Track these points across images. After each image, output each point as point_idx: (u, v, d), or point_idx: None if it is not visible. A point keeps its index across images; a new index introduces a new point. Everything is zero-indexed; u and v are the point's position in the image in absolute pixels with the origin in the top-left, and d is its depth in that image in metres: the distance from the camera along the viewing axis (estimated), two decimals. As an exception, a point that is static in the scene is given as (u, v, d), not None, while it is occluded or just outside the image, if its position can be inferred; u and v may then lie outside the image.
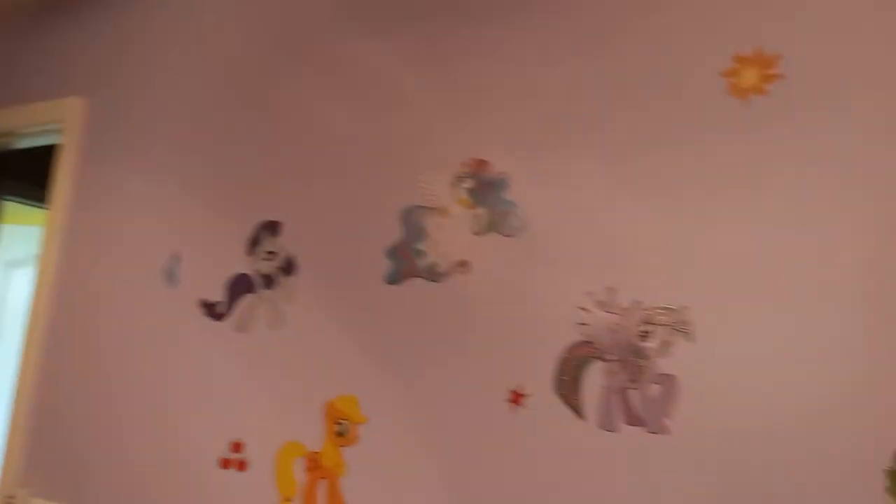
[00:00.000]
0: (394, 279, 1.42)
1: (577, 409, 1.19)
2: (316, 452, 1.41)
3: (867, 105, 1.10)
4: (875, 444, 0.96)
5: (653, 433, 1.12)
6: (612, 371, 1.17)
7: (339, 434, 1.39)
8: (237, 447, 1.51)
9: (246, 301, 1.60)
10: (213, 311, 1.64)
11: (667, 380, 1.13)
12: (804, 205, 1.10)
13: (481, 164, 1.38)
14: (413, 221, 1.43)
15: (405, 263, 1.42)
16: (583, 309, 1.22)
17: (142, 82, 1.96)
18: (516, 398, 1.24)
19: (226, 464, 1.51)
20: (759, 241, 1.12)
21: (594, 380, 1.18)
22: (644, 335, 1.16)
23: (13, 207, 3.03)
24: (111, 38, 2.07)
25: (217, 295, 1.64)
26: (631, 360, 1.16)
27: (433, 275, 1.38)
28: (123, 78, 2.00)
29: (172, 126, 1.84)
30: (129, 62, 2.01)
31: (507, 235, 1.32)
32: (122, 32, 2.04)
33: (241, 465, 1.50)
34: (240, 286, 1.62)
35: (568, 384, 1.20)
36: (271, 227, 1.61)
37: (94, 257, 1.90)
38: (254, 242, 1.62)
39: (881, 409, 0.97)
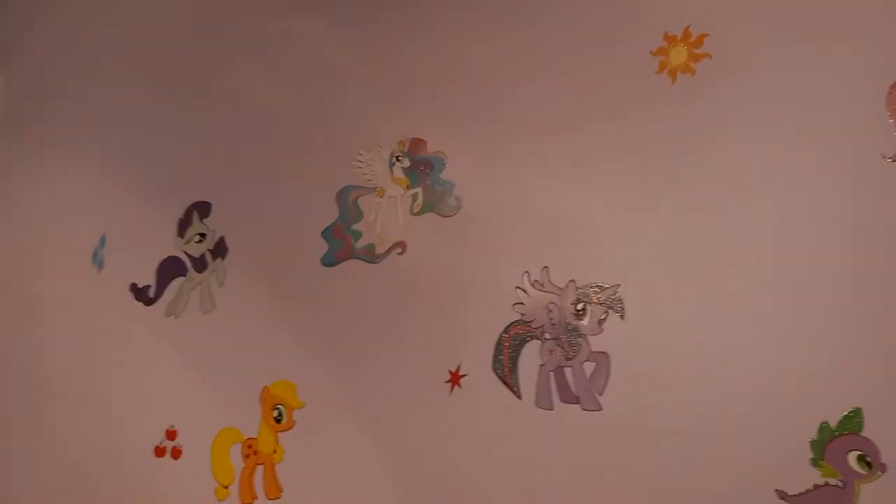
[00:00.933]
0: (330, 261, 1.40)
1: (513, 388, 1.20)
2: (252, 439, 1.39)
3: (788, 82, 1.12)
4: (805, 418, 1.00)
5: (587, 410, 1.14)
6: (548, 349, 1.18)
7: (276, 419, 1.37)
8: (171, 434, 1.47)
9: (177, 285, 1.55)
10: (143, 295, 1.58)
11: (600, 357, 1.15)
12: (733, 182, 1.13)
13: (418, 143, 1.37)
14: (348, 202, 1.40)
15: (341, 244, 1.39)
16: (519, 288, 1.22)
17: (61, 58, 1.86)
18: (454, 379, 1.24)
19: (160, 452, 1.47)
20: (689, 219, 1.14)
21: (531, 359, 1.19)
22: (578, 314, 1.17)
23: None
24: (25, 7, 1.94)
25: (147, 279, 1.58)
26: (566, 338, 1.17)
27: (370, 256, 1.36)
28: (40, 52, 1.89)
29: (94, 104, 1.76)
30: (46, 36, 1.90)
31: (445, 216, 1.31)
32: (41, 4, 1.93)
33: (176, 453, 1.46)
34: (170, 269, 1.56)
35: (505, 363, 1.21)
36: (201, 209, 1.56)
37: (16, 240, 1.81)
38: (184, 224, 1.57)
39: (809, 382, 1.01)
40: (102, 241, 1.66)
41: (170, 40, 1.69)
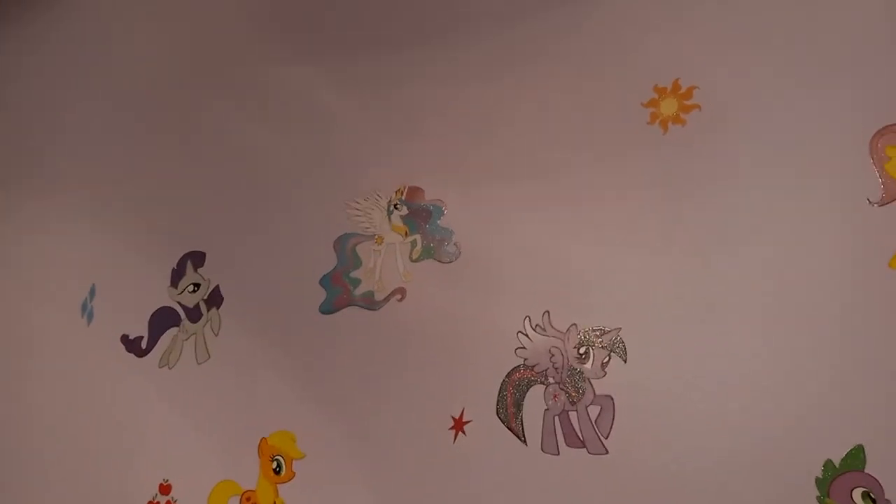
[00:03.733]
0: (328, 308, 1.40)
1: (518, 434, 1.20)
2: (251, 491, 1.36)
3: (776, 130, 1.17)
4: (807, 456, 1.02)
5: (593, 454, 1.15)
6: (552, 394, 1.19)
7: (275, 471, 1.35)
8: (165, 489, 1.44)
9: (170, 335, 1.53)
10: (135, 346, 1.56)
11: (604, 400, 1.16)
12: (727, 227, 1.17)
13: (415, 191, 1.39)
14: (346, 249, 1.41)
15: (340, 292, 1.40)
16: (521, 333, 1.24)
17: (45, 102, 1.85)
18: (458, 425, 1.24)
19: (153, 508, 1.44)
20: (682, 262, 1.18)
21: (535, 403, 1.20)
22: (581, 357, 1.19)
23: None
24: (10, 57, 1.95)
25: (139, 330, 1.56)
26: (570, 382, 1.19)
27: (369, 303, 1.37)
28: (27, 104, 1.88)
29: (83, 155, 1.75)
30: (30, 87, 1.90)
31: (444, 262, 1.33)
32: (18, 45, 1.93)
33: (170, 509, 1.43)
34: (163, 320, 1.55)
35: (509, 409, 1.21)
36: (195, 258, 1.55)
37: (4, 291, 1.77)
38: (177, 274, 1.56)
39: (813, 420, 1.03)
40: (92, 292, 1.64)
41: (160, 87, 1.70)
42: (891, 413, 1.01)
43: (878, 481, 0.98)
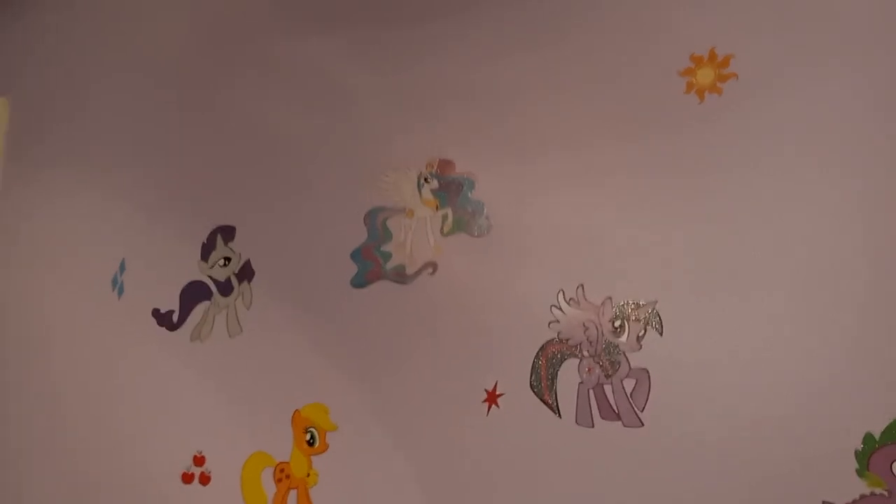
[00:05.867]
0: (360, 282, 1.40)
1: (552, 407, 1.20)
2: (285, 462, 1.38)
3: (814, 100, 1.15)
4: (846, 428, 1.01)
5: (628, 427, 1.15)
6: (587, 367, 1.19)
7: (309, 443, 1.37)
8: (199, 461, 1.46)
9: (201, 309, 1.55)
10: (166, 320, 1.57)
11: (640, 373, 1.16)
12: (763, 198, 1.15)
13: (446, 164, 1.38)
14: (377, 223, 1.41)
15: (371, 266, 1.40)
16: (554, 306, 1.23)
17: (72, 81, 1.85)
18: (491, 398, 1.25)
19: (188, 478, 1.46)
20: (720, 234, 1.16)
21: (569, 376, 1.20)
22: (616, 330, 1.19)
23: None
24: (35, 28, 1.94)
25: (170, 304, 1.57)
26: (605, 355, 1.18)
27: (401, 277, 1.37)
28: (48, 76, 1.89)
29: (113, 126, 1.75)
30: (55, 58, 1.89)
31: (475, 236, 1.32)
32: (43, 25, 1.92)
33: (205, 479, 1.45)
34: (194, 294, 1.56)
35: (543, 382, 1.22)
36: (225, 232, 1.56)
37: (34, 267, 1.79)
38: (207, 248, 1.56)
39: (852, 392, 1.03)
40: (122, 267, 1.65)
41: (188, 62, 1.69)
42: (932, 385, 1.00)
43: (919, 454, 0.98)
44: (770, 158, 1.16)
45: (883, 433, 1.00)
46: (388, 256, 1.39)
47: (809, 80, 1.16)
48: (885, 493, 0.99)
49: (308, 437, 1.37)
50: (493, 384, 1.25)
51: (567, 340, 1.21)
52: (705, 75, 1.23)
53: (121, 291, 1.65)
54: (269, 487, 1.39)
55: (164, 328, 1.57)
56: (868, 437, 1.01)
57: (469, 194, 1.35)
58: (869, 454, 1.00)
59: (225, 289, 1.53)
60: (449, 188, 1.36)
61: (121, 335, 1.62)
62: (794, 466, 1.04)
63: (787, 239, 1.12)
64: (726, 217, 1.17)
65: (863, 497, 0.99)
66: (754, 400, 1.09)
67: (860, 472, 1.00)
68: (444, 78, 1.43)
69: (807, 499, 1.02)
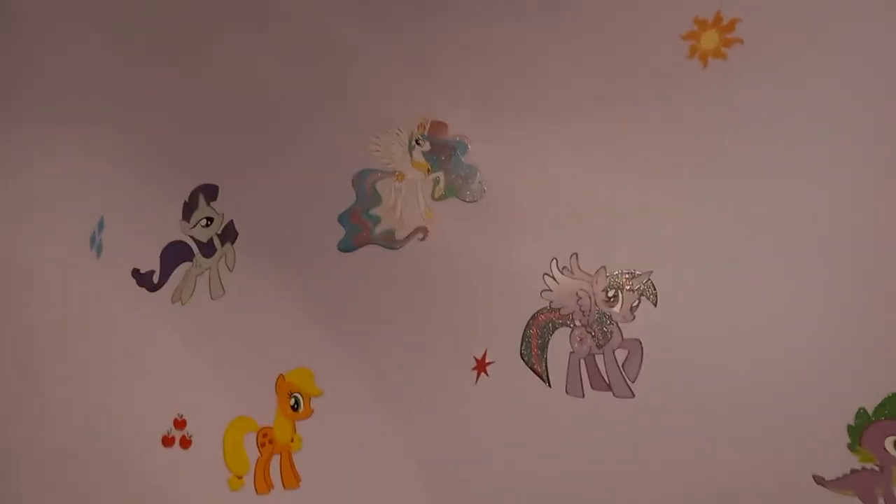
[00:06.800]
0: (347, 246, 1.36)
1: (543, 376, 1.18)
2: (268, 427, 1.36)
3: (822, 71, 1.12)
4: (840, 403, 1.00)
5: (619, 397, 1.13)
6: (578, 337, 1.17)
7: (293, 408, 1.34)
8: (180, 424, 1.43)
9: (183, 270, 1.50)
10: (146, 280, 1.52)
11: (632, 344, 1.14)
12: (764, 169, 1.12)
13: (438, 126, 1.33)
14: (366, 186, 1.37)
15: (359, 229, 1.36)
16: (547, 275, 1.21)
17: (47, 35, 1.77)
18: (481, 366, 1.22)
19: (168, 441, 1.43)
20: (719, 204, 1.14)
21: (560, 346, 1.18)
22: (610, 301, 1.16)
23: None
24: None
25: (150, 264, 1.53)
26: (597, 325, 1.16)
27: (390, 241, 1.33)
28: (21, 31, 1.80)
29: (90, 81, 1.68)
30: (29, 11, 1.80)
31: (468, 201, 1.29)
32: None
33: (185, 443, 1.42)
34: (175, 254, 1.51)
35: (533, 351, 1.19)
36: (208, 191, 1.51)
37: (9, 226, 1.72)
38: (189, 208, 1.51)
39: (846, 366, 1.02)
40: (101, 225, 1.59)
41: (171, 15, 1.62)
42: (928, 362, 0.99)
43: (912, 430, 0.97)
44: (773, 129, 1.13)
45: (876, 409, 0.99)
46: (377, 220, 1.35)
47: (817, 48, 1.12)
48: (877, 467, 0.98)
49: (292, 402, 1.34)
50: (483, 352, 1.23)
51: (559, 310, 1.19)
52: (710, 39, 1.20)
53: (99, 250, 1.59)
54: (252, 452, 1.36)
55: (144, 288, 1.53)
56: (861, 413, 1.00)
57: (462, 158, 1.31)
58: (862, 429, 1.00)
59: (207, 250, 1.48)
60: (441, 151, 1.32)
61: (99, 295, 1.57)
62: (785, 441, 1.04)
63: (785, 212, 1.10)
64: (725, 188, 1.14)
65: (854, 472, 0.99)
66: (747, 374, 1.07)
67: (852, 447, 0.99)
68: (442, 37, 1.37)
69: (797, 473, 1.01)
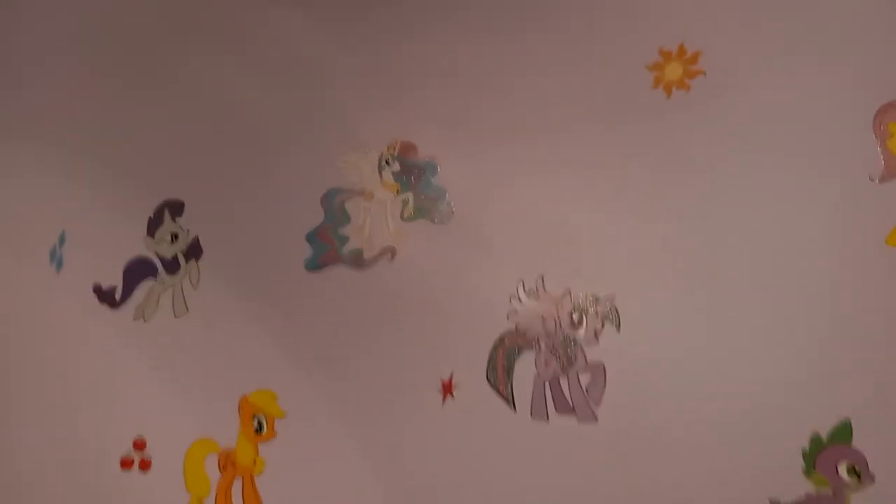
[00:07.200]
0: (314, 265, 1.36)
1: (508, 399, 1.19)
2: (230, 450, 1.34)
3: (781, 100, 1.16)
4: (795, 428, 1.03)
5: (583, 422, 1.14)
6: (544, 360, 1.18)
7: (257, 430, 1.32)
8: (140, 445, 1.40)
9: (146, 287, 1.48)
10: (108, 297, 1.49)
11: (596, 368, 1.15)
12: (727, 196, 1.16)
13: (408, 147, 1.34)
14: (335, 205, 1.36)
15: (326, 248, 1.35)
16: (514, 298, 1.22)
17: (13, 45, 1.74)
18: (447, 389, 1.23)
19: (127, 464, 1.40)
20: (679, 230, 1.17)
21: (526, 369, 1.19)
22: (575, 323, 1.18)
23: None
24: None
25: (112, 280, 1.50)
26: (562, 348, 1.17)
27: (357, 262, 1.33)
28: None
29: (54, 95, 1.65)
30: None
31: (436, 222, 1.29)
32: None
33: (145, 465, 1.39)
34: (139, 270, 1.48)
35: (499, 374, 1.20)
36: (174, 207, 1.49)
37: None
38: (154, 223, 1.49)
39: (802, 393, 1.04)
40: (62, 239, 1.56)
41: (139, 33, 1.60)
42: (879, 388, 1.02)
43: (863, 455, 1.00)
44: (735, 156, 1.17)
45: (830, 434, 1.02)
46: (345, 240, 1.34)
47: (777, 78, 1.16)
48: (830, 492, 1.01)
49: (256, 423, 1.33)
50: (450, 375, 1.23)
51: (525, 332, 1.20)
52: (673, 71, 1.23)
53: (59, 265, 1.56)
54: (214, 475, 1.34)
55: (105, 305, 1.49)
56: (815, 438, 1.02)
57: (431, 179, 1.31)
58: (815, 454, 1.02)
59: (171, 266, 1.46)
60: (411, 172, 1.33)
61: (58, 311, 1.54)
62: (742, 464, 1.06)
63: (748, 239, 1.14)
64: (690, 213, 1.17)
65: (808, 496, 1.01)
66: (705, 399, 1.10)
67: (807, 472, 1.02)
68: (411, 59, 1.39)
69: (754, 497, 1.03)
